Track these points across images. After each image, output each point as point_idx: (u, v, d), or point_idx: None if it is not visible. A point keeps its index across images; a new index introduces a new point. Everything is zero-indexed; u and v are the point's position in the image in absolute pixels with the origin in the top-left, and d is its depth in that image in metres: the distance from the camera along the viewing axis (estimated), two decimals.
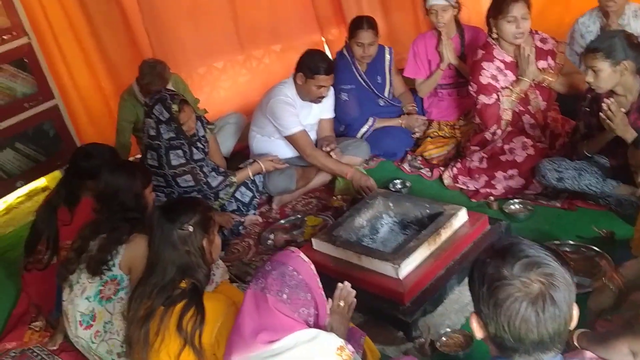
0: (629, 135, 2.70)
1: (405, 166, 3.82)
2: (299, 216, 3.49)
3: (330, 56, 5.15)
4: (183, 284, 2.04)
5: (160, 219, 2.09)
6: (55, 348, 2.83)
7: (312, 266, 1.94)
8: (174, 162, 3.21)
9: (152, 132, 3.20)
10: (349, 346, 1.79)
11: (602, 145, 2.88)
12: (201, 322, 1.95)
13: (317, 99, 3.60)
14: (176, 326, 1.94)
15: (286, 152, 3.74)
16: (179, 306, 1.97)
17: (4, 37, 3.88)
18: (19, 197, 4.37)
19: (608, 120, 2.68)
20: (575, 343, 1.96)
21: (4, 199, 4.23)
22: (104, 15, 4.60)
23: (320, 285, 1.93)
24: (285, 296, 1.79)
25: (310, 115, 3.74)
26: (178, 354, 1.94)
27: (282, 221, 3.48)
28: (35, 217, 2.95)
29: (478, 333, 1.31)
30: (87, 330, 2.44)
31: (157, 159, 3.21)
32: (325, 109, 3.80)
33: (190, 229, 2.07)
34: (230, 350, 1.78)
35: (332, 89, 3.75)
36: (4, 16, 3.88)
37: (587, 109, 2.96)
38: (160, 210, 2.14)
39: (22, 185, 4.19)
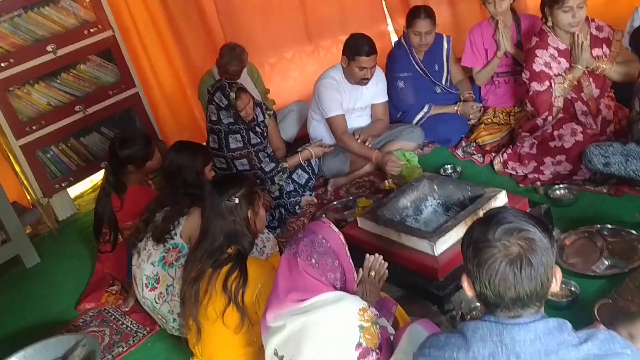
0: None
1: (459, 152, 3.91)
2: (351, 198, 3.67)
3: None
4: (230, 250, 2.27)
5: (211, 191, 2.34)
6: (127, 309, 3.20)
7: (342, 236, 2.10)
8: (232, 146, 3.47)
9: (214, 117, 3.48)
10: (372, 309, 1.95)
11: None
12: (244, 283, 2.17)
13: (361, 81, 3.75)
14: (222, 286, 2.17)
15: None
16: (225, 269, 2.20)
17: (91, 30, 4.26)
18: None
19: None
20: (595, 313, 2.04)
21: (91, 177, 4.67)
22: (182, 11, 4.90)
23: (349, 255, 2.10)
24: (314, 261, 1.97)
25: (362, 99, 3.90)
26: (223, 310, 2.17)
27: (335, 202, 3.67)
28: (95, 204, 3.30)
29: (468, 292, 1.45)
30: (152, 292, 2.75)
31: (217, 142, 3.49)
32: (377, 94, 3.95)
33: (237, 200, 2.30)
34: (267, 307, 1.99)
35: (381, 72, 3.90)
36: (91, 11, 4.28)
37: None
38: (211, 184, 2.40)
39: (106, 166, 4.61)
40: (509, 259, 1.33)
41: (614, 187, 3.05)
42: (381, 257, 2.34)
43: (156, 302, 2.74)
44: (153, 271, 2.72)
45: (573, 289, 2.43)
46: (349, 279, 2.06)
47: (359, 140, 3.78)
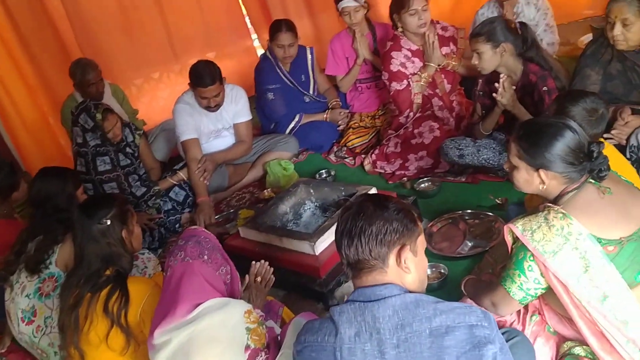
0: (517, 109, 3.01)
1: (332, 157, 4.09)
2: (232, 210, 3.70)
3: None
4: (108, 272, 2.21)
5: (80, 216, 2.26)
6: (3, 350, 2.98)
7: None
8: (101, 168, 3.36)
9: (79, 140, 3.36)
10: (257, 310, 2.00)
11: (495, 120, 3.17)
12: (126, 303, 2.11)
13: (207, 108, 3.70)
14: (103, 309, 2.10)
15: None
16: (104, 291, 2.14)
17: None
18: None
19: (499, 97, 2.96)
20: (462, 288, 2.23)
21: None
22: (36, 35, 4.70)
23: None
24: (206, 257, 2.01)
25: (222, 120, 3.87)
26: (106, 334, 2.10)
27: (217, 216, 3.68)
28: None
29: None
30: (29, 326, 2.59)
31: (85, 165, 3.37)
32: (237, 113, 3.90)
33: (108, 222, 2.23)
34: (154, 325, 1.94)
35: (240, 91, 3.91)
36: None
37: (481, 92, 3.26)
38: (79, 208, 2.31)
39: None
40: (344, 231, 1.55)
41: (470, 176, 3.34)
42: (267, 263, 2.41)
43: (34, 336, 2.60)
44: (29, 304, 2.58)
45: (442, 270, 2.63)
46: (234, 275, 2.13)
47: (198, 168, 3.68)
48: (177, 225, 3.65)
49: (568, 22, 4.92)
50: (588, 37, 4.28)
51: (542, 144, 1.84)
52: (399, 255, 1.53)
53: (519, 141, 1.91)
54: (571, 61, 3.62)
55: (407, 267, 1.54)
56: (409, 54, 3.68)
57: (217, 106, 3.70)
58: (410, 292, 1.53)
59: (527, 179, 1.92)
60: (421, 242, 1.61)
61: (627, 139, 2.75)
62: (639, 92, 2.85)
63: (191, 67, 3.69)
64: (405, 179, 3.51)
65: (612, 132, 2.74)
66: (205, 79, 3.57)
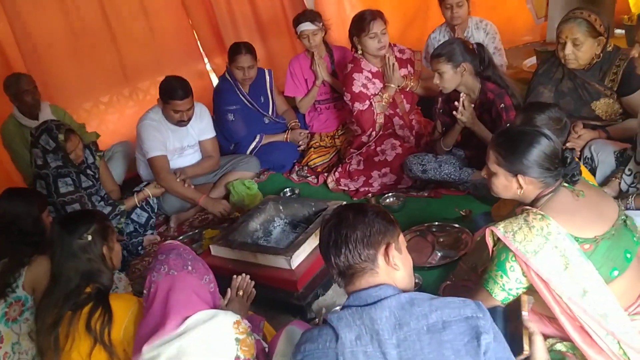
0: (476, 127, 3.16)
1: (294, 176, 4.14)
2: (197, 231, 3.67)
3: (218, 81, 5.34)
4: (88, 289, 2.16)
5: (59, 231, 2.21)
6: None
7: None
8: (63, 190, 3.26)
9: (40, 162, 3.26)
10: (245, 321, 2.00)
11: (455, 137, 3.32)
12: (109, 321, 2.07)
13: (179, 123, 3.73)
14: (85, 327, 2.05)
15: None
16: (86, 308, 2.08)
17: None
18: None
19: (460, 115, 3.11)
20: (441, 294, 2.30)
21: None
22: None
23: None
24: (190, 267, 2.00)
25: (188, 137, 3.90)
26: (89, 352, 2.05)
27: (181, 237, 3.63)
28: None
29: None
30: None
31: (45, 187, 3.26)
32: (202, 130, 3.95)
33: (89, 237, 2.19)
34: (143, 343, 1.90)
35: (204, 108, 3.98)
36: None
37: (441, 110, 3.40)
38: (58, 224, 2.26)
39: None
40: (329, 242, 1.63)
41: (433, 190, 3.46)
42: (248, 276, 2.41)
43: None
44: None
45: (417, 280, 2.70)
46: (215, 284, 2.13)
47: (178, 180, 3.72)
48: (139, 248, 3.58)
49: (509, 47, 5.20)
50: (531, 61, 4.55)
51: (520, 151, 1.95)
52: (386, 254, 1.60)
53: (497, 148, 2.01)
54: (516, 83, 3.83)
55: (396, 264, 1.61)
56: (370, 75, 3.80)
57: (189, 120, 3.74)
58: (403, 291, 1.59)
59: (506, 185, 2.02)
60: (402, 240, 1.70)
61: (581, 151, 2.94)
62: (589, 108, 3.05)
63: (161, 83, 3.71)
64: (369, 195, 3.60)
65: (567, 144, 2.92)
66: (179, 91, 3.62)
